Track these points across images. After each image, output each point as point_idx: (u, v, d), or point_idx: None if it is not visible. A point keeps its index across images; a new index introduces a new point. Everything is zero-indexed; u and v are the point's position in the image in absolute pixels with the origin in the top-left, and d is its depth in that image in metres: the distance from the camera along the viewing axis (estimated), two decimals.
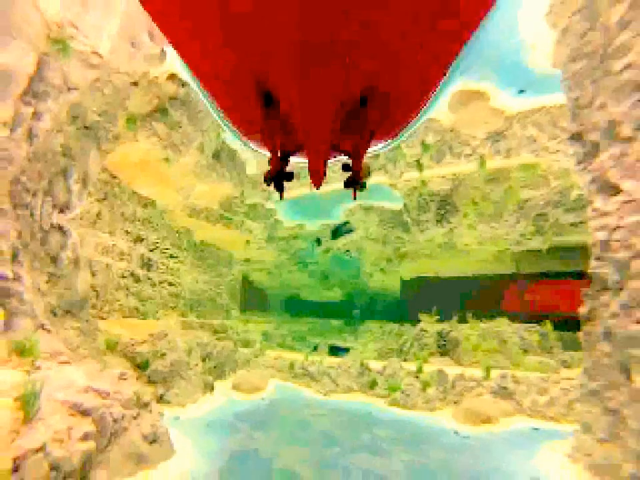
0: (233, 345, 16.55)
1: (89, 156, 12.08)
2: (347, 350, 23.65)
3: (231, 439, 9.07)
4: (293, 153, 1.85)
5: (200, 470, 6.83)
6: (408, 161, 15.99)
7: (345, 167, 1.88)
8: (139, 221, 18.81)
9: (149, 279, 19.77)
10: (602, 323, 8.11)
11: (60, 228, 12.04)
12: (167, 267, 20.92)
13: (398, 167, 16.26)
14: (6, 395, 5.48)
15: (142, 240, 19.03)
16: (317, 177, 1.88)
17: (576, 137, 8.80)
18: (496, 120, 14.58)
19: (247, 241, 26.75)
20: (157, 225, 19.87)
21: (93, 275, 15.24)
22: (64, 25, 8.56)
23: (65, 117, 10.80)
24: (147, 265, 19.57)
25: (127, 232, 18.28)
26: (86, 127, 11.70)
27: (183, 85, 12.84)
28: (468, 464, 9.29)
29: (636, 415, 6.67)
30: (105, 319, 15.61)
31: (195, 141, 14.19)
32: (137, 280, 18.89)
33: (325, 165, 1.85)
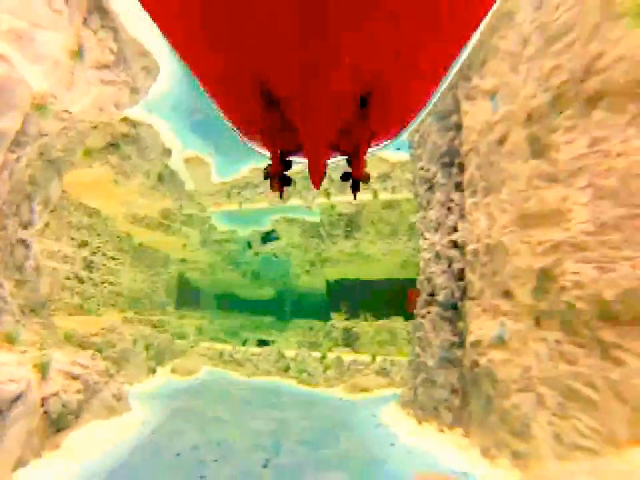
0: (170, 337, 19.73)
1: (51, 183, 14.65)
2: (273, 342, 27.53)
3: (171, 403, 12.63)
4: (293, 153, 1.79)
5: (151, 418, 10.38)
6: (319, 190, 20.46)
7: (344, 177, 1.91)
8: (84, 228, 21.05)
9: (91, 279, 22.02)
10: (427, 317, 12.96)
11: (23, 242, 14.55)
12: (108, 268, 23.18)
13: (311, 194, 20.66)
14: (24, 365, 8.77)
15: (86, 245, 21.28)
16: (317, 177, 1.86)
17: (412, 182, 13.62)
18: (383, 165, 19.52)
19: (184, 244, 29.43)
20: (100, 231, 22.14)
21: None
22: (46, 96, 11.37)
23: (35, 155, 13.39)
24: (90, 267, 21.82)
25: (72, 238, 20.52)
26: (49, 161, 14.29)
27: (134, 126, 15.81)
28: (338, 414, 13.85)
29: (438, 376, 11.38)
30: (54, 316, 17.97)
31: (142, 168, 17.14)
32: (81, 281, 21.15)
33: (324, 165, 1.83)
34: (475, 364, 8.68)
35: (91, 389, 9.40)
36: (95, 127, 14.63)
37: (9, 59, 9.65)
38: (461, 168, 10.02)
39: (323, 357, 20.95)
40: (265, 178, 1.72)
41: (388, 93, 1.35)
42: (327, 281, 35.57)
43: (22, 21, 8.26)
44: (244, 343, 27.15)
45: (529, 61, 8.44)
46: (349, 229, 23.68)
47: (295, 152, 1.76)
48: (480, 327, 8.86)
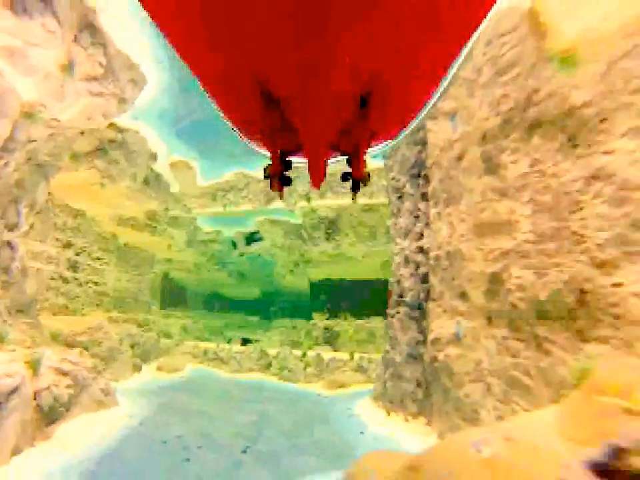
0: (156, 336, 20.28)
1: (38, 186, 15.08)
2: (256, 341, 28.23)
3: (157, 398, 13.29)
4: (293, 153, 1.79)
5: (137, 412, 11.05)
6: (300, 194, 21.31)
7: (344, 177, 1.87)
8: (69, 229, 21.35)
9: (75, 279, 22.31)
10: (396, 317, 13.95)
11: (9, 244, 14.95)
12: (93, 268, 23.46)
13: (292, 198, 21.50)
14: (16, 362, 9.35)
15: (70, 245, 21.57)
16: (317, 177, 1.88)
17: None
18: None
19: (169, 245, 29.82)
20: (86, 232, 22.44)
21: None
22: (35, 105, 11.88)
23: (22, 160, 13.83)
24: (74, 267, 22.12)
25: (57, 239, 20.82)
26: (37, 165, 14.72)
27: (121, 132, 16.33)
28: (316, 407, 14.72)
29: (405, 370, 12.36)
30: (39, 316, 18.30)
31: (129, 172, 17.66)
32: (65, 281, 21.45)
33: (325, 165, 1.84)
34: (435, 359, 9.67)
35: (80, 384, 10.02)
36: (82, 133, 15.12)
37: (0, 71, 10.18)
38: (427, 180, 11.00)
39: (304, 355, 21.80)
40: (265, 178, 1.73)
41: (388, 93, 1.35)
42: (310, 281, 36.39)
43: (17, 40, 8.83)
44: (228, 342, 27.74)
45: (482, 88, 9.45)
46: (330, 231, 24.58)
47: (295, 152, 1.78)
48: (440, 325, 9.85)
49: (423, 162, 11.28)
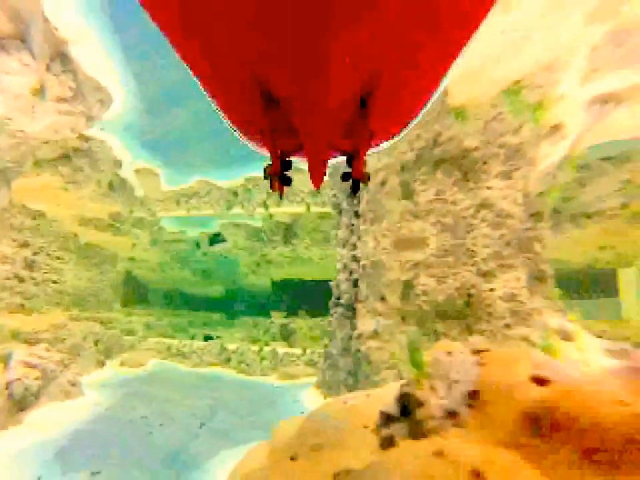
0: (119, 332, 21.25)
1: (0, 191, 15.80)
2: (219, 338, 29.40)
3: (121, 389, 14.56)
4: (293, 153, 1.75)
5: (103, 401, 12.37)
6: (258, 201, 22.94)
7: (344, 177, 1.79)
8: (26, 229, 21.70)
9: (32, 278, 22.66)
10: (335, 315, 15.86)
11: None
12: (51, 267, 23.76)
13: (251, 204, 23.08)
14: None
15: (28, 245, 21.88)
16: (317, 177, 1.81)
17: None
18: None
19: (133, 244, 30.36)
20: (45, 232, 22.76)
21: None
22: (1, 118, 12.78)
23: None
24: (31, 266, 22.44)
25: (14, 239, 21.17)
26: None
27: (86, 141, 17.24)
28: (267, 395, 16.47)
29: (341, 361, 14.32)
30: None
31: (94, 178, 18.55)
32: (21, 280, 21.78)
33: (325, 165, 1.77)
34: (358, 351, 11.68)
35: (48, 376, 11.23)
36: (47, 143, 15.98)
37: None
38: (359, 200, 12.98)
39: (261, 350, 23.49)
40: (265, 178, 1.71)
41: (388, 93, 1.34)
42: (272, 281, 37.92)
43: None
44: (192, 338, 28.74)
45: None
46: (287, 235, 26.31)
47: (295, 152, 1.77)
48: (364, 323, 11.88)
49: None
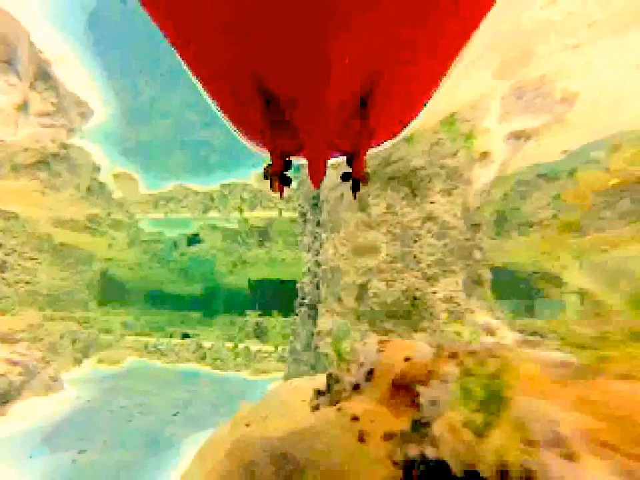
0: (97, 331, 22.01)
1: None
2: (196, 336, 30.22)
3: (100, 384, 15.51)
4: (292, 154, 1.84)
5: (84, 394, 13.37)
6: (233, 206, 24.17)
7: (345, 177, 1.93)
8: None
9: (4, 279, 22.87)
10: (299, 315, 17.26)
11: None
12: (24, 267, 23.97)
13: (227, 209, 24.29)
14: None
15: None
16: (317, 177, 1.92)
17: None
18: (286, 190, 23.71)
19: (109, 244, 30.74)
20: (18, 233, 22.94)
21: None
22: None
23: None
24: (2, 267, 22.65)
25: None
26: None
27: (65, 148, 17.98)
28: (240, 388, 17.72)
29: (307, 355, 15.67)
30: None
31: (73, 183, 19.28)
32: None
33: (325, 165, 1.88)
34: (317, 346, 13.13)
35: (30, 372, 12.17)
36: (26, 150, 16.70)
37: None
38: (321, 210, 14.43)
39: (235, 347, 24.67)
40: (265, 178, 1.71)
41: (388, 93, 1.34)
42: (249, 281, 38.88)
43: None
44: (169, 337, 29.46)
45: None
46: (262, 238, 27.57)
47: (295, 152, 1.78)
48: (323, 322, 13.33)
49: (319, 196, 14.69)
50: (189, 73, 1.39)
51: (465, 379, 3.45)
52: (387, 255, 12.73)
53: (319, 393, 6.15)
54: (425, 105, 1.64)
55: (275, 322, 28.38)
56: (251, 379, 20.57)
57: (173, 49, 1.25)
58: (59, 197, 20.37)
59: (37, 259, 24.82)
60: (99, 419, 10.98)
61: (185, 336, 30.55)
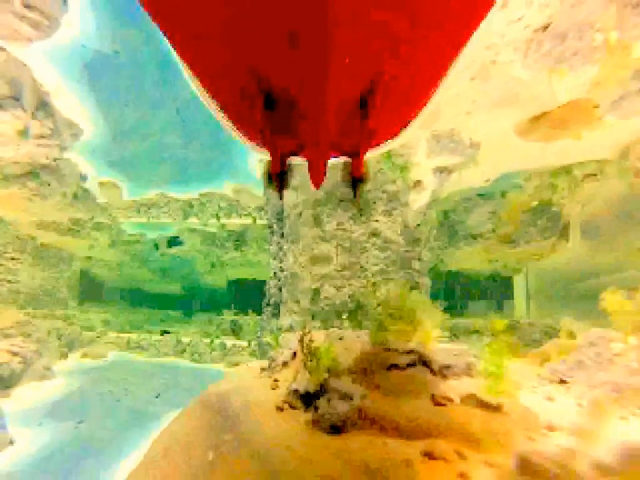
0: (79, 329, 23.75)
1: None
2: (175, 333, 32.04)
3: (87, 374, 17.42)
4: (292, 154, 1.85)
5: (73, 382, 15.30)
6: (211, 213, 26.30)
7: (345, 177, 1.94)
8: None
9: None
10: (266, 314, 19.53)
11: None
12: (6, 267, 25.24)
13: (205, 215, 26.39)
14: None
15: None
16: (317, 177, 1.97)
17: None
18: (260, 200, 26.02)
19: (91, 245, 32.17)
20: (0, 235, 24.31)
21: None
22: None
23: None
24: None
25: None
26: None
27: (54, 160, 19.70)
28: (214, 378, 19.88)
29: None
30: None
31: (59, 191, 20.97)
32: None
33: (325, 165, 1.86)
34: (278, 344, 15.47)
35: (27, 362, 14.07)
36: (17, 163, 18.41)
37: None
38: (284, 224, 16.76)
39: (212, 342, 26.80)
40: (268, 180, 1.80)
41: (388, 93, 1.35)
42: (228, 280, 40.86)
43: None
44: (149, 334, 31.19)
45: None
46: (238, 242, 29.71)
47: (295, 153, 1.81)
48: (283, 320, 15.68)
49: (282, 212, 17.04)
50: (189, 72, 1.41)
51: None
52: (338, 264, 15.17)
53: (262, 369, 8.51)
54: (425, 105, 1.69)
55: (249, 319, 30.53)
56: (226, 370, 22.73)
57: (172, 49, 1.28)
58: (45, 204, 22.00)
59: (18, 259, 26.11)
60: (91, 400, 13.03)
61: (165, 333, 32.41)
